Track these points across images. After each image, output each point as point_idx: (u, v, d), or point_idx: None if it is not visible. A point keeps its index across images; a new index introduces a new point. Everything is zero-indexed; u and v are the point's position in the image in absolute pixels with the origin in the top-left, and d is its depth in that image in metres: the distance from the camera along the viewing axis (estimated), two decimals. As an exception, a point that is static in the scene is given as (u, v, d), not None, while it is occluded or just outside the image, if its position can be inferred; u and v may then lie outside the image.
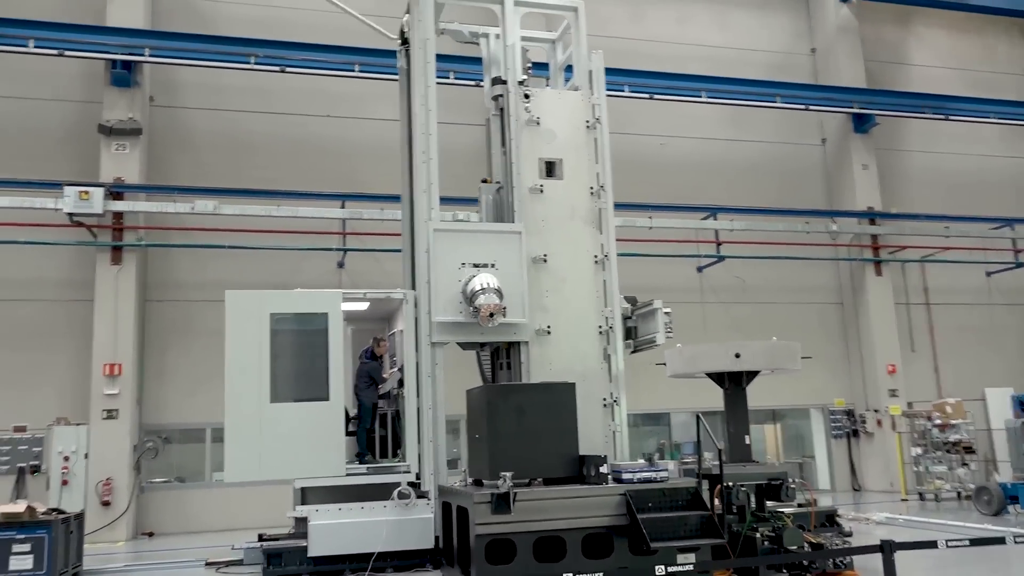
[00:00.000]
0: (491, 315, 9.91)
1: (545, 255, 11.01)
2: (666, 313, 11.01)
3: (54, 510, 10.39)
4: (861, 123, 19.90)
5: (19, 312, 15.55)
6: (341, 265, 17.14)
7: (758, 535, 8.50)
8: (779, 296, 19.67)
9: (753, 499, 9.08)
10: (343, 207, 16.58)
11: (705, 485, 8.99)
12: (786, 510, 9.36)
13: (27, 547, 9.53)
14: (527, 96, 11.44)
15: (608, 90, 17.79)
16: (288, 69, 16.23)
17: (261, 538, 10.36)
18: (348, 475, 10.17)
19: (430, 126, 11.19)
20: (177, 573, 10.82)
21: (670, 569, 7.68)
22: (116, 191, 15.36)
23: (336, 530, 9.80)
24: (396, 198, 15.58)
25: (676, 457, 21.33)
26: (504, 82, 11.61)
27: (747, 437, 9.13)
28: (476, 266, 10.54)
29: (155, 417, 15.69)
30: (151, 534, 15.26)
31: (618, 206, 17.69)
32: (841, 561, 8.38)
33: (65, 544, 10.03)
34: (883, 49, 21.79)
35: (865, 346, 19.61)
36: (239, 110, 17.20)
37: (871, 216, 19.62)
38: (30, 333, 15.50)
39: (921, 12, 22.30)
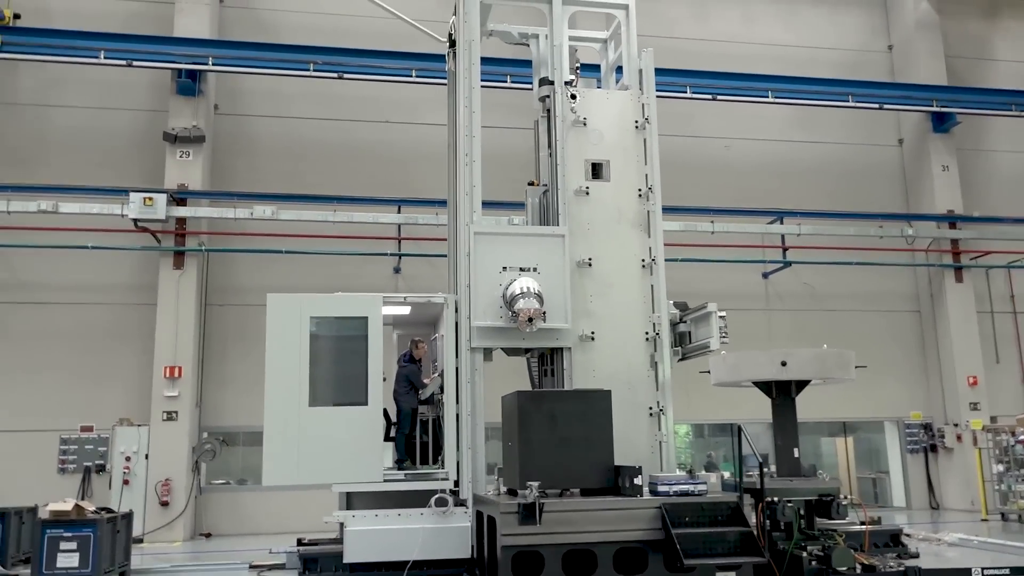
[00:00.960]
0: (530, 320, 9.66)
1: (590, 259, 10.70)
2: (721, 317, 10.54)
3: (103, 509, 10.59)
4: (941, 122, 18.89)
5: (90, 315, 16.08)
6: (398, 270, 17.16)
7: (804, 554, 8.00)
8: (850, 304, 18.81)
9: (802, 516, 8.56)
10: (399, 212, 16.60)
11: (751, 500, 8.57)
12: (840, 528, 8.80)
13: (73, 545, 9.71)
14: (573, 96, 11.16)
15: (670, 91, 17.69)
16: (346, 76, 16.37)
17: (300, 543, 10.32)
18: (385, 481, 10.08)
19: (473, 128, 11.02)
20: (221, 575, 10.90)
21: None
22: (179, 197, 15.74)
23: (371, 537, 9.67)
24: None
25: (729, 468, 20.67)
26: (551, 83, 11.36)
27: (796, 450, 8.62)
28: (517, 270, 10.32)
29: (215, 419, 15.97)
30: (208, 535, 15.53)
31: (679, 210, 17.59)
32: (896, 585, 7.81)
33: (111, 543, 10.20)
34: (966, 44, 20.67)
35: (944, 356, 18.56)
36: (299, 117, 17.45)
37: (951, 220, 18.59)
38: (100, 335, 16.01)
39: (1009, 4, 21.08)
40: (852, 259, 18.17)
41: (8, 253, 15.79)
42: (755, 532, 7.85)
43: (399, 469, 10.47)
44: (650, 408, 10.43)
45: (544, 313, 9.81)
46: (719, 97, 17.63)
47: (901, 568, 7.82)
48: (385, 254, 16.67)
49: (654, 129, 11.30)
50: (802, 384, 8.72)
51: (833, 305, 18.72)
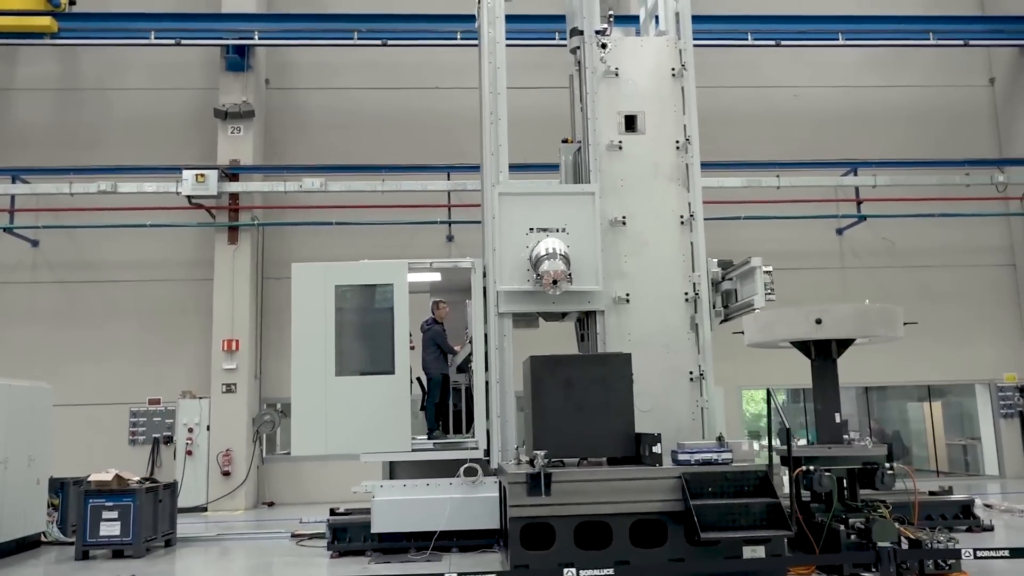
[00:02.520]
0: (554, 282, 9.22)
1: (624, 217, 10.14)
2: (766, 272, 9.83)
3: (147, 479, 10.81)
4: (1036, 57, 17.23)
5: (154, 292, 16.50)
6: (450, 238, 16.92)
7: (842, 528, 7.35)
8: (935, 259, 17.49)
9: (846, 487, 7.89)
10: (448, 179, 16.31)
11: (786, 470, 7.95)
12: (890, 498, 8.08)
13: (115, 514, 9.94)
14: (604, 46, 10.57)
15: (730, 39, 16.73)
16: (389, 42, 16.11)
17: (332, 512, 10.27)
18: (414, 451, 9.89)
19: (498, 84, 10.62)
20: (264, 543, 10.99)
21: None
22: (231, 172, 15.88)
23: (399, 507, 9.54)
24: (521, 167, 15.30)
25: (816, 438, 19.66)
26: (581, 32, 10.80)
27: (837, 415, 7.92)
28: (544, 231, 9.87)
29: (274, 391, 16.17)
30: (271, 504, 15.81)
31: (742, 165, 16.69)
32: (945, 561, 7.07)
33: (153, 512, 10.40)
34: (1068, -31, 18.74)
35: (1042, 313, 17.08)
36: (349, 88, 17.34)
37: (1050, 163, 16.99)
38: (163, 311, 16.42)
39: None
40: (937, 211, 16.82)
41: (75, 234, 16.33)
42: (786, 503, 7.24)
43: (429, 438, 10.26)
44: (690, 372, 9.87)
45: (570, 275, 9.35)
46: (783, 43, 16.52)
47: (951, 546, 7.04)
48: (435, 222, 16.43)
49: (691, 76, 10.61)
50: (844, 344, 7.99)
51: (916, 261, 17.45)
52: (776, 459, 7.99)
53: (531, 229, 9.88)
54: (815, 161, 16.84)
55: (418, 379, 10.87)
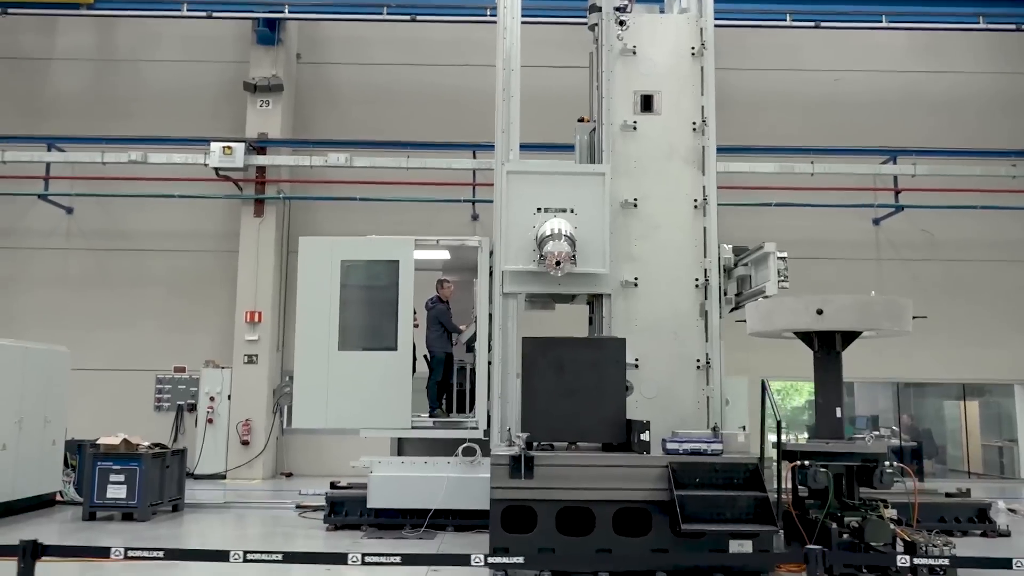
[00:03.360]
0: (558, 263, 9.04)
1: (636, 199, 9.91)
2: (781, 258, 9.54)
3: (156, 445, 10.99)
4: (1094, 43, 16.38)
5: (182, 261, 16.75)
6: (475, 217, 16.83)
7: (834, 526, 7.11)
8: (977, 253, 16.84)
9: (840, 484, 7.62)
10: (475, 157, 16.19)
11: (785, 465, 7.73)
12: (890, 498, 7.79)
13: (121, 477, 10.14)
14: (622, 23, 10.29)
15: (767, 20, 16.25)
16: (418, 17, 15.99)
17: (333, 486, 10.32)
18: (414, 428, 9.88)
19: (512, 61, 10.44)
20: (268, 513, 11.12)
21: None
22: (259, 146, 15.98)
23: (395, 483, 9.56)
24: (526, 147, 15.09)
25: (850, 432, 19.18)
26: (600, 9, 10.54)
27: (838, 410, 7.63)
28: (553, 211, 9.69)
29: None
30: (289, 475, 16.00)
31: (775, 150, 16.24)
32: (940, 567, 6.79)
33: (160, 477, 10.58)
34: None
35: (1088, 312, 16.34)
36: (379, 63, 17.29)
37: (1102, 156, 16.18)
38: (191, 281, 16.66)
39: None
40: (979, 202, 16.15)
41: (107, 202, 16.62)
42: (776, 498, 7.03)
43: (431, 417, 10.23)
44: (697, 360, 9.64)
45: (574, 256, 9.16)
46: (823, 24, 15.97)
47: (948, 550, 6.76)
48: (459, 200, 16.35)
49: (711, 55, 10.27)
50: (849, 337, 7.69)
51: (955, 255, 16.82)
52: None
53: (539, 209, 9.67)
54: (852, 147, 16.30)
55: (424, 356, 10.85)
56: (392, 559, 4.46)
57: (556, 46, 15.69)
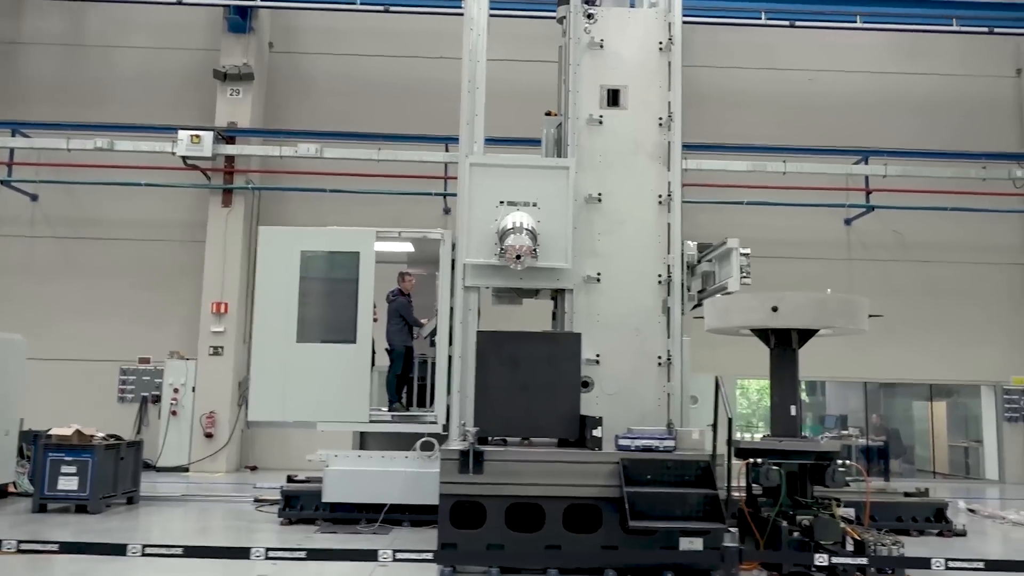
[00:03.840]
0: (518, 257, 8.95)
1: (600, 194, 9.85)
2: (744, 254, 9.48)
3: (112, 436, 10.80)
4: (1066, 48, 16.47)
5: (149, 251, 16.53)
6: (447, 211, 16.70)
7: (784, 524, 7.06)
8: (947, 254, 16.91)
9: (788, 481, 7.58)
10: (447, 151, 16.05)
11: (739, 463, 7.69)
12: (844, 497, 7.77)
13: (73, 469, 9.96)
14: (590, 16, 10.22)
15: (741, 18, 16.22)
16: (392, 8, 15.85)
17: (289, 479, 10.19)
18: (372, 422, 9.77)
19: (478, 52, 10.33)
20: (226, 506, 10.97)
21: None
22: (228, 135, 15.79)
23: (351, 477, 9.42)
24: (499, 141, 14.99)
25: (818, 432, 19.25)
26: (568, 1, 10.45)
27: (793, 408, 7.59)
28: (516, 205, 9.58)
29: (263, 356, 16.12)
30: (255, 468, 15.84)
31: (748, 148, 16.23)
32: (888, 569, 6.77)
33: (114, 469, 10.41)
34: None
35: (1055, 316, 16.44)
36: (354, 54, 17.14)
37: (1072, 160, 16.29)
38: (158, 270, 16.45)
39: None
40: (950, 204, 16.21)
41: (73, 190, 16.37)
42: (726, 496, 6.97)
43: (390, 411, 10.12)
44: (659, 357, 9.59)
45: (535, 250, 9.07)
46: (798, 24, 15.97)
47: (896, 551, 6.72)
48: (430, 194, 16.22)
49: (678, 50, 10.21)
50: (805, 335, 7.64)
51: (925, 256, 16.89)
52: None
53: (501, 202, 9.58)
54: (824, 147, 16.32)
55: (385, 349, 10.74)
56: (297, 554, 4.36)
57: (531, 40, 15.58)
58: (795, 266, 16.35)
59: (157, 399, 15.89)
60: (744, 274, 9.40)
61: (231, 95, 16.06)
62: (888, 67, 17.40)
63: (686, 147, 15.85)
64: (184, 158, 15.37)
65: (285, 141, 15.93)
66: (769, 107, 17.05)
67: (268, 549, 4.39)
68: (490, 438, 7.86)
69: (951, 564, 5.59)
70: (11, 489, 11.31)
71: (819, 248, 16.90)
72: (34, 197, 16.56)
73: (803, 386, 19.83)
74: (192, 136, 15.19)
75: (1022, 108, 17.51)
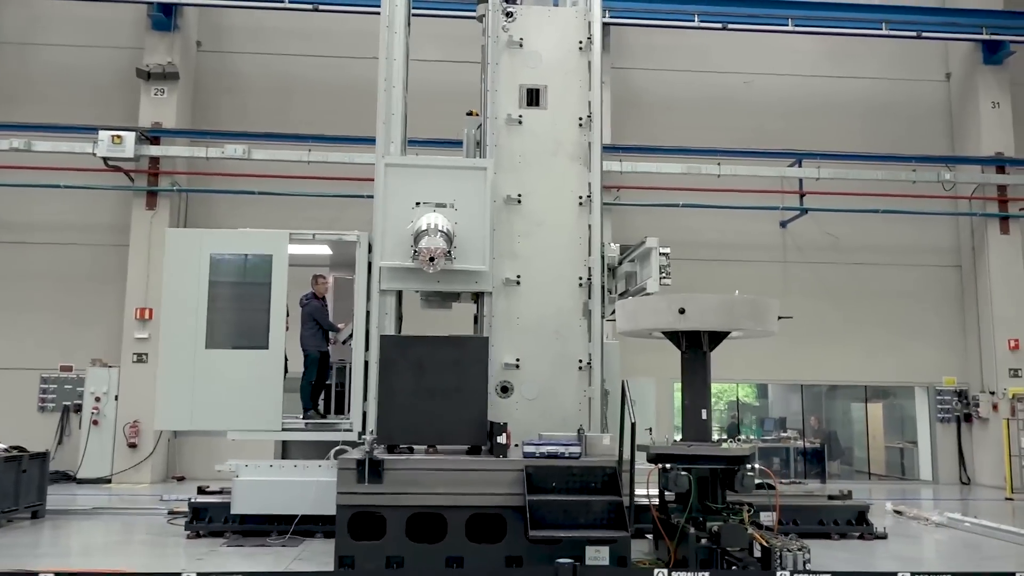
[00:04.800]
0: (431, 259, 8.73)
1: (519, 195, 9.69)
2: (663, 254, 9.37)
3: (14, 448, 10.34)
4: (993, 52, 16.71)
5: (71, 255, 15.95)
6: (382, 214, 16.37)
7: (692, 530, 6.92)
8: (880, 257, 17.05)
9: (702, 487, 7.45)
10: (380, 152, 15.74)
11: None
12: (756, 501, 7.66)
13: (-32, 483, 9.49)
14: (509, 14, 10.06)
15: (674, 20, 16.20)
16: (321, 7, 15.52)
17: (200, 491, 9.82)
18: (284, 430, 9.46)
19: (394, 49, 10.16)
20: (136, 519, 10.55)
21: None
22: (152, 136, 15.32)
23: (261, 488, 9.10)
24: (435, 143, 14.76)
25: (759, 434, 19.31)
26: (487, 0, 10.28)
27: (703, 412, 7.46)
28: (432, 206, 9.36)
29: (190, 363, 15.65)
30: (182, 478, 15.35)
31: (683, 151, 16.20)
32: (794, 570, 6.65)
33: (15, 482, 9.95)
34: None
35: (984, 317, 16.62)
36: (286, 54, 16.75)
37: (999, 163, 16.51)
38: (80, 276, 15.88)
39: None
40: (882, 207, 16.36)
41: (-11, 192, 15.75)
42: (627, 503, 6.81)
43: (304, 418, 9.82)
44: (580, 361, 9.44)
45: (448, 252, 8.85)
46: (730, 26, 15.99)
47: (802, 556, 6.61)
48: (364, 196, 15.83)
49: (598, 50, 10.09)
50: (716, 337, 7.52)
51: (860, 258, 17.01)
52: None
53: (417, 203, 9.37)
54: (757, 150, 16.37)
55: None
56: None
57: (470, 41, 15.32)
58: (731, 268, 16.37)
59: (79, 408, 15.32)
60: (664, 274, 9.30)
61: (155, 95, 15.59)
62: (821, 70, 17.52)
63: (621, 149, 16.17)
64: (105, 159, 14.85)
65: (212, 142, 15.51)
66: (705, 110, 17.05)
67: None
68: (397, 447, 7.63)
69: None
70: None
71: (755, 251, 16.93)
72: (-53, 200, 15.90)
73: (750, 389, 20.17)
74: (113, 136, 14.69)
75: (951, 112, 17.73)
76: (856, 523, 9.73)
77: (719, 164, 15.89)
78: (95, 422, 14.79)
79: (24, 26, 16.46)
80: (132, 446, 14.75)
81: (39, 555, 8.14)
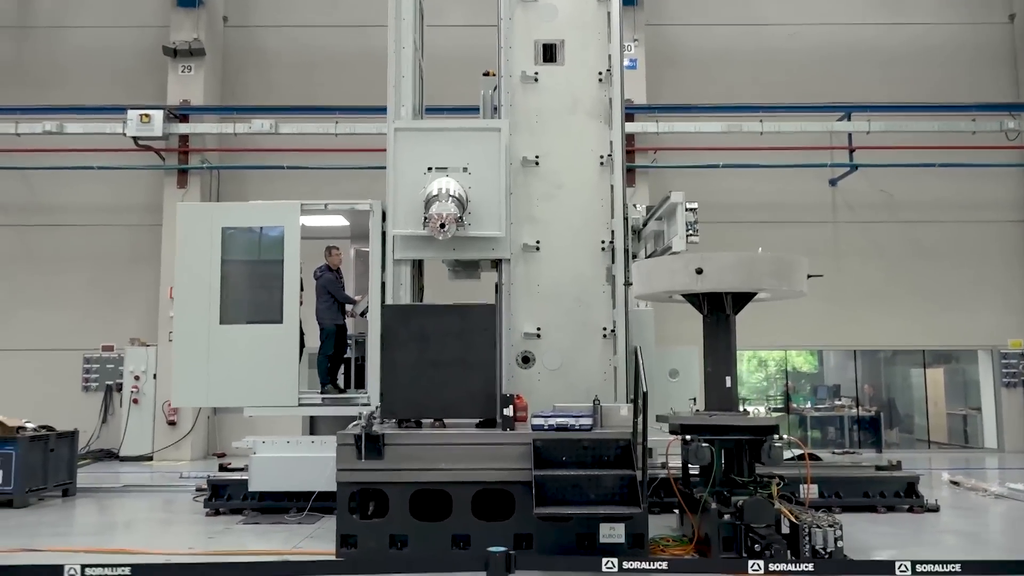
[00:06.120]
0: (442, 226, 8.35)
1: (537, 156, 9.23)
2: (690, 209, 8.80)
3: (43, 427, 10.38)
4: (1061, -11, 15.50)
5: (108, 236, 16.09)
6: (412, 185, 16.06)
7: (714, 506, 6.46)
8: (937, 213, 16.07)
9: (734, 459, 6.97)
10: (409, 122, 15.39)
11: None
12: (787, 474, 7.14)
13: (-4, 462, 9.54)
14: (522, -35, 9.53)
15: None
16: (345, -26, 15.18)
17: (221, 468, 9.71)
18: (301, 405, 9.25)
19: (403, 8, 9.72)
20: (164, 497, 10.52)
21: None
22: (181, 113, 15.25)
23: (278, 465, 8.93)
24: (463, 110, 14.34)
25: (811, 401, 18.57)
26: (501, -48, 9.77)
27: (728, 379, 6.96)
28: (445, 171, 8.96)
29: (227, 340, 15.66)
30: (222, 455, 15.39)
31: (723, 108, 15.45)
32: (824, 549, 6.14)
33: (43, 461, 9.98)
34: None
35: (1054, 275, 15.58)
36: (310, 25, 16.50)
37: (1069, 109, 15.37)
38: (117, 256, 16.01)
39: None
40: (938, 160, 15.37)
41: (29, 177, 15.92)
42: (641, 477, 6.37)
43: (321, 393, 9.59)
44: (604, 328, 8.99)
45: (460, 218, 8.45)
46: (772, -27, 15.14)
47: (834, 532, 6.11)
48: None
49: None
50: (740, 299, 6.99)
51: (915, 216, 16.06)
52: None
53: (429, 168, 8.99)
54: (803, 104, 15.51)
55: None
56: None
57: (485, 3, 14.87)
58: (777, 231, 15.60)
59: (121, 387, 15.49)
60: (691, 231, 8.75)
61: (183, 72, 15.51)
62: (871, 18, 16.51)
63: (657, 109, 15.51)
64: (135, 139, 14.84)
65: (239, 118, 15.38)
66: (746, 65, 16.23)
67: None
68: (404, 421, 7.30)
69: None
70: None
71: (802, 212, 16.14)
72: (-10, 185, 16.14)
73: (811, 356, 19.36)
74: (142, 115, 14.65)
75: (1016, 56, 16.54)
76: (905, 495, 9.10)
77: (761, 121, 15.11)
78: (135, 400, 14.93)
79: (57, 9, 16.51)
80: (171, 424, 14.85)
81: (58, 534, 8.08)
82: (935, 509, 9.00)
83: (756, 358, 19.52)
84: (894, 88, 15.97)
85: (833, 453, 15.06)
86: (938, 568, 4.62)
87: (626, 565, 4.18)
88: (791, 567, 4.22)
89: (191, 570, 4.87)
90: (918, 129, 15.35)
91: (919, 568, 4.58)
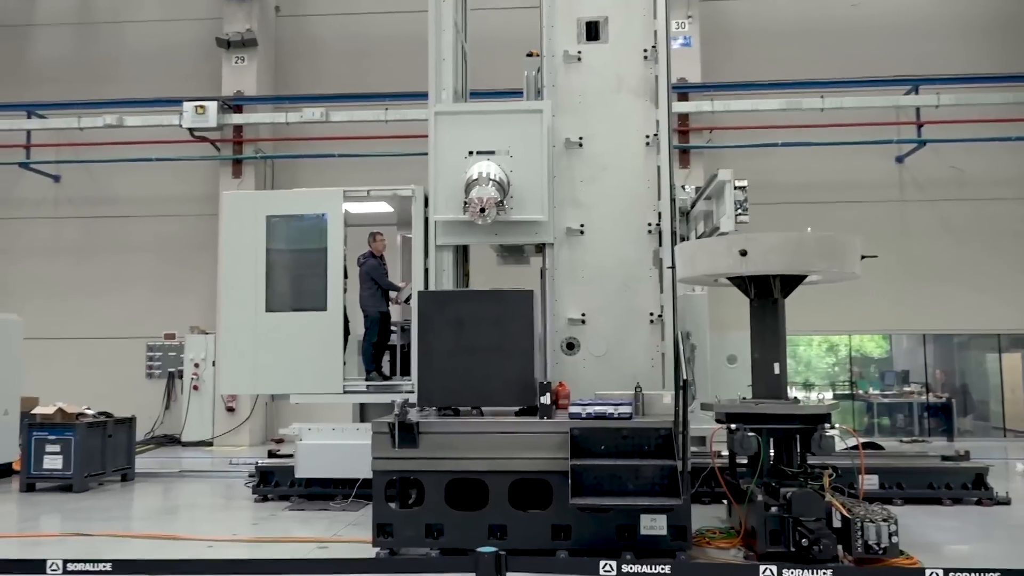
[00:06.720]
0: (482, 211, 8.20)
1: (581, 138, 9.00)
2: (739, 188, 8.50)
3: (102, 413, 10.63)
4: None
5: (168, 227, 16.43)
6: (465, 171, 15.96)
7: (760, 498, 6.19)
8: (1011, 190, 15.29)
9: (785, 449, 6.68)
10: (459, 107, 15.28)
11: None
12: (839, 464, 6.81)
13: (57, 448, 9.81)
14: (564, -59, 9.27)
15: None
16: (391, -41, 15.11)
17: (270, 454, 9.79)
18: (346, 392, 9.24)
19: (443, -10, 9.54)
20: (220, 481, 10.69)
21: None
22: (235, 104, 15.44)
23: (323, 452, 8.96)
24: (512, 94, 14.15)
25: (878, 387, 17.88)
26: (542, -73, 9.52)
27: (776, 366, 6.65)
28: (487, 154, 8.79)
29: (283, 328, 15.87)
30: (280, 440, 15.61)
31: (781, 85, 14.91)
32: (878, 544, 5.82)
33: (102, 447, 10.23)
34: None
35: None
36: (359, 12, 16.51)
37: None
38: (178, 246, 16.35)
39: None
40: (1012, 133, 14.56)
41: (93, 170, 16.37)
42: (681, 467, 6.13)
43: (366, 380, 9.57)
44: (651, 314, 8.73)
45: (501, 202, 8.29)
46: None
47: (888, 527, 5.78)
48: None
49: (662, -28, 9.17)
50: (789, 282, 6.67)
51: (988, 193, 15.28)
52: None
53: (471, 152, 8.84)
54: (867, 79, 14.84)
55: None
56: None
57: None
58: (840, 211, 15.06)
59: (182, 374, 15.83)
60: (740, 210, 8.45)
61: (236, 63, 15.68)
62: (942, -15, 15.73)
63: (712, 87, 15.06)
64: (191, 130, 15.08)
65: (291, 107, 15.49)
66: (805, 40, 15.63)
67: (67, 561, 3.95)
68: (443, 409, 7.20)
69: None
70: (16, 468, 11.30)
71: (867, 190, 15.51)
72: (56, 178, 16.64)
73: (882, 340, 18.63)
74: (196, 107, 14.88)
75: (1100, 21, 15.54)
76: (973, 487, 8.64)
77: (822, 97, 14.52)
78: (195, 387, 15.24)
79: (116, 5, 16.89)
80: (230, 410, 15.12)
81: (110, 519, 8.25)
82: (1006, 502, 8.52)
83: (827, 342, 18.88)
84: (964, 59, 15.17)
85: (901, 442, 14.49)
86: (973, 577, 4.28)
87: (625, 568, 3.99)
88: (806, 574, 3.93)
89: (174, 566, 4.86)
90: (990, 102, 14.54)
91: (951, 577, 4.25)
